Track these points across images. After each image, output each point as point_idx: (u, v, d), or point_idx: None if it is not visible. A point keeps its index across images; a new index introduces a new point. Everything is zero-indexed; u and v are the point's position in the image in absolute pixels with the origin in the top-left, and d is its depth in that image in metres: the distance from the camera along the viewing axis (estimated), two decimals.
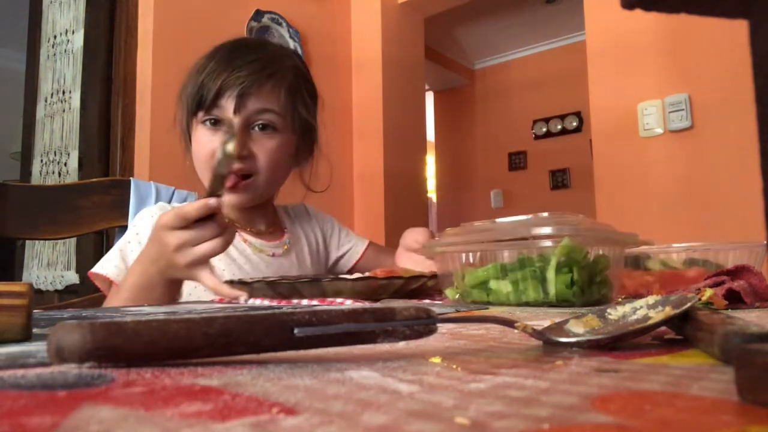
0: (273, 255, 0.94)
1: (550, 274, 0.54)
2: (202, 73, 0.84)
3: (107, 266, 0.83)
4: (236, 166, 0.84)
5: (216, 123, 0.85)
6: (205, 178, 0.87)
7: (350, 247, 1.09)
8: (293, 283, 0.63)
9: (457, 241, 0.62)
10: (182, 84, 0.91)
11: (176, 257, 0.66)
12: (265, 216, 0.99)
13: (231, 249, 0.89)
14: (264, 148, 0.86)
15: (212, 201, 0.65)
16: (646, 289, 0.66)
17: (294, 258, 0.98)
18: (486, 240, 0.60)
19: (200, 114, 0.85)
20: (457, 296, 0.62)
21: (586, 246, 0.55)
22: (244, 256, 0.91)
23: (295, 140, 0.92)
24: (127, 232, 0.89)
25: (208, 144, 0.85)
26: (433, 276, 0.69)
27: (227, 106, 0.84)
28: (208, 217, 0.67)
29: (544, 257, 0.55)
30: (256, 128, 0.86)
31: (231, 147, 0.66)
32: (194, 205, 0.66)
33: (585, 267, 0.55)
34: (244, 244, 0.92)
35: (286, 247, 0.97)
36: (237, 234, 0.91)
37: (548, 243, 0.54)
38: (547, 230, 0.55)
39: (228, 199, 0.86)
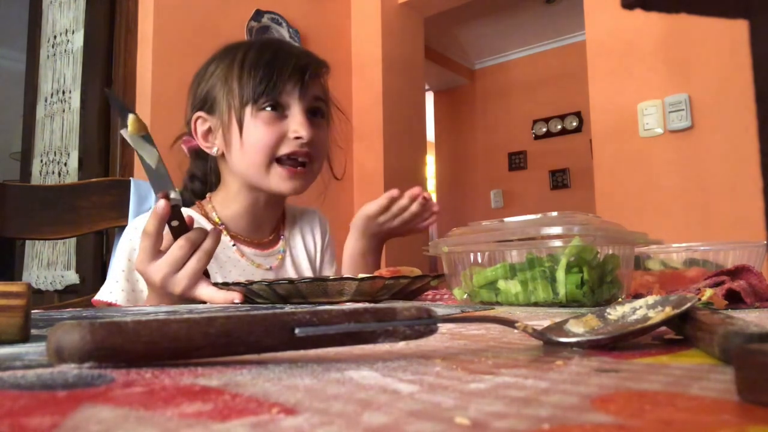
0: (270, 268, 0.93)
1: (560, 274, 0.53)
2: (258, 61, 0.85)
3: (116, 293, 0.80)
4: (305, 149, 0.86)
5: (276, 108, 0.85)
6: (257, 168, 0.86)
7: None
8: (295, 282, 0.63)
9: (465, 241, 0.62)
10: (207, 83, 0.89)
11: (169, 289, 0.66)
12: (273, 218, 0.97)
13: (231, 268, 0.88)
14: (321, 133, 0.89)
15: (160, 206, 0.63)
16: (646, 289, 0.66)
17: (289, 266, 0.96)
18: (494, 240, 0.59)
19: (261, 101, 0.84)
20: (465, 296, 0.61)
21: (596, 246, 0.54)
22: (247, 273, 0.89)
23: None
24: (123, 246, 0.84)
25: (271, 131, 0.85)
26: (438, 276, 0.68)
27: (293, 91, 0.85)
28: (179, 227, 0.66)
29: (553, 257, 0.54)
30: (312, 114, 0.88)
31: (132, 126, 0.61)
32: (150, 224, 0.65)
33: (595, 267, 0.54)
34: (243, 260, 0.91)
35: (280, 257, 0.95)
36: (236, 250, 0.90)
37: (558, 243, 0.54)
38: (556, 230, 0.54)
39: (289, 186, 0.87)
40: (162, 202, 0.63)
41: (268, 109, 0.85)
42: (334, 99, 0.97)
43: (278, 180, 0.86)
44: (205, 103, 0.89)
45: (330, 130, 0.96)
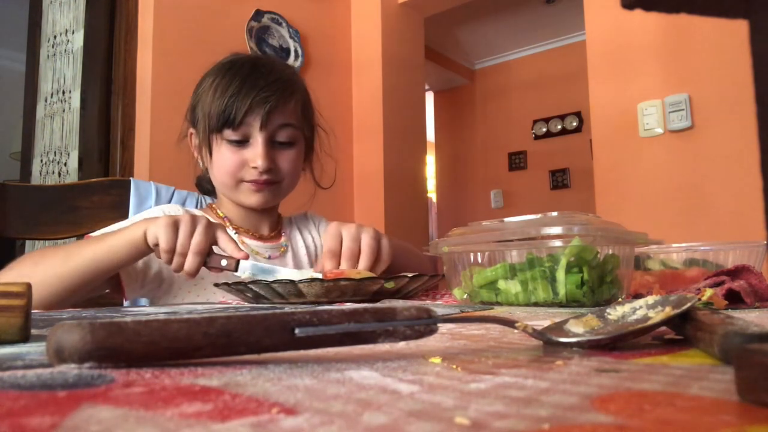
0: (269, 257, 0.97)
1: (560, 274, 0.53)
2: (226, 92, 0.89)
3: None
4: (264, 177, 0.91)
5: (239, 138, 0.90)
6: (227, 187, 0.94)
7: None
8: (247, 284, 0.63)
9: (465, 241, 0.62)
10: (195, 99, 0.95)
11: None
12: (269, 220, 1.03)
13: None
14: (286, 158, 0.94)
15: (242, 255, 0.72)
16: (646, 289, 0.66)
17: (290, 260, 1.00)
18: (494, 240, 0.59)
19: (227, 131, 0.89)
20: (465, 296, 0.61)
21: (596, 246, 0.54)
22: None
23: (305, 147, 1.00)
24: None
25: (233, 159, 0.91)
26: (393, 277, 0.63)
27: (254, 123, 0.90)
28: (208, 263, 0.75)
29: (553, 257, 0.54)
30: (278, 140, 0.93)
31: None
32: (221, 237, 0.73)
33: (595, 267, 0.54)
34: (242, 246, 0.94)
35: (282, 249, 1.00)
36: (238, 238, 0.96)
37: (558, 243, 0.54)
38: (556, 230, 0.54)
39: (255, 199, 0.94)
40: (244, 255, 0.72)
41: (231, 138, 0.90)
42: (317, 113, 1.02)
43: (247, 194, 0.93)
44: (195, 119, 0.95)
45: (317, 140, 1.03)
